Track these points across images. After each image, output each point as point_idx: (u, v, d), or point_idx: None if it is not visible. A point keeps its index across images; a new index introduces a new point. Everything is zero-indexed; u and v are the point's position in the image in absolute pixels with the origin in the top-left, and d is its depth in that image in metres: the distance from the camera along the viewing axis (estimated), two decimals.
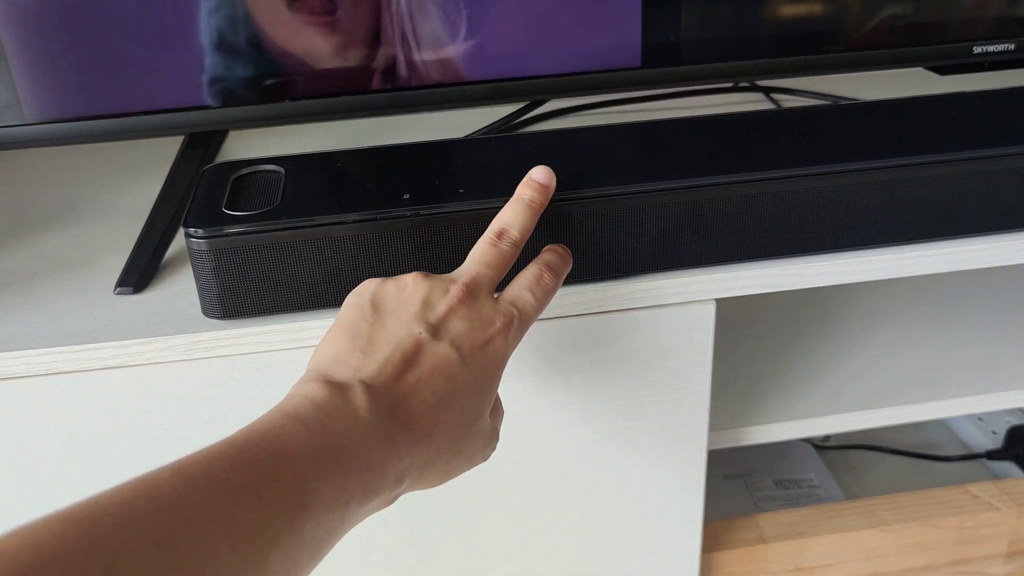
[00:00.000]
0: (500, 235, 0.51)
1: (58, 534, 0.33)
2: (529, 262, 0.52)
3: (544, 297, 0.51)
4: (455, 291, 0.48)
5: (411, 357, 0.45)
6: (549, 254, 0.54)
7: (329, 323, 0.55)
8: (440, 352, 0.46)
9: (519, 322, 0.49)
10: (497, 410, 0.53)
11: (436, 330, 0.46)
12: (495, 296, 0.50)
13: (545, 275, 0.52)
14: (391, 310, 0.47)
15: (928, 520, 0.79)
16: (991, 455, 0.99)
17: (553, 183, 0.54)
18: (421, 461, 0.44)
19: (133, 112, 0.62)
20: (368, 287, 0.49)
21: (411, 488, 0.45)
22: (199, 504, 0.36)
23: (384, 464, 0.42)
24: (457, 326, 0.47)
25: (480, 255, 0.50)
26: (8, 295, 0.61)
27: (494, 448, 0.51)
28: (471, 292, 0.48)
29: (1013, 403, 0.77)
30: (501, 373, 0.49)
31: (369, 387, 0.43)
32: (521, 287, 0.51)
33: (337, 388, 0.43)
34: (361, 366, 0.45)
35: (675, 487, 0.68)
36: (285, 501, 0.38)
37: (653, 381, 0.63)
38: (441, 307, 0.47)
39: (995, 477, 0.97)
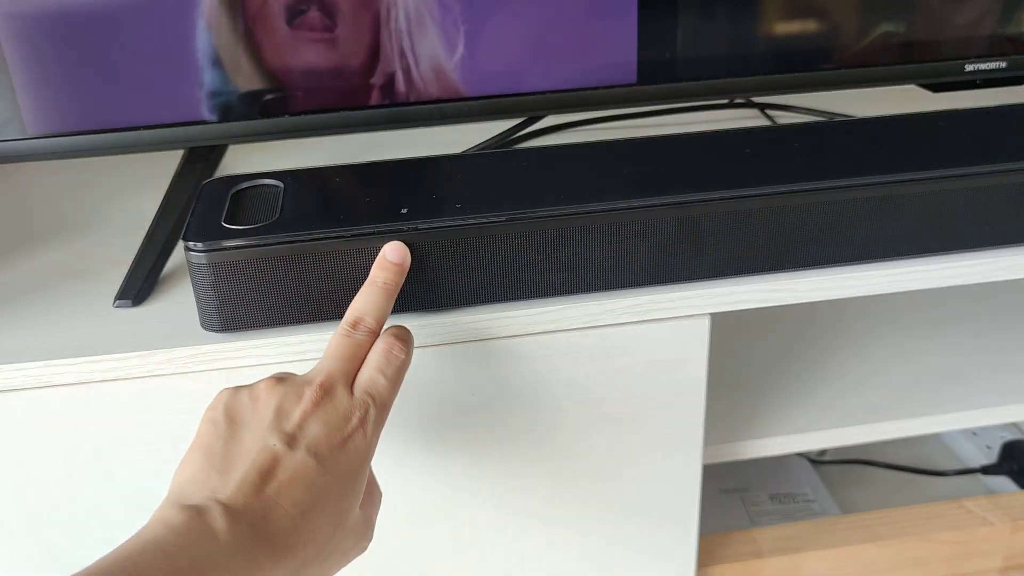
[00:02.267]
0: (355, 325, 0.51)
1: None
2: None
3: (396, 375, 0.51)
4: (309, 395, 0.47)
5: (268, 471, 0.45)
6: (393, 328, 0.53)
7: (326, 336, 0.56)
8: (298, 461, 0.45)
9: (376, 410, 0.49)
10: (371, 500, 0.52)
11: (292, 439, 0.46)
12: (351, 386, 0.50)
13: (394, 349, 0.51)
14: (245, 423, 0.47)
15: (923, 535, 0.80)
16: (986, 470, 0.99)
17: (407, 260, 0.53)
18: (289, 573, 0.44)
19: (133, 127, 0.63)
20: (221, 399, 0.49)
21: None
22: None
23: None
24: (313, 431, 0.47)
25: (334, 350, 0.50)
26: (8, 307, 0.61)
27: (370, 539, 0.51)
28: (325, 392, 0.48)
29: (1008, 418, 0.78)
30: (367, 466, 0.49)
31: (227, 507, 0.43)
32: (372, 370, 0.50)
33: (194, 511, 0.42)
34: (218, 487, 0.44)
35: (670, 501, 0.68)
36: None
37: (648, 395, 0.63)
38: (296, 414, 0.47)
39: (990, 492, 0.98)
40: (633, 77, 0.67)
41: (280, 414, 0.47)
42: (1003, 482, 0.98)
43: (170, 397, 0.57)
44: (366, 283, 0.52)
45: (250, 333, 0.56)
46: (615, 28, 0.66)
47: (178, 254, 0.65)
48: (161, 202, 0.68)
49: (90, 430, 0.58)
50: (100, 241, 0.70)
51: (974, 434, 1.04)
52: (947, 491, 0.98)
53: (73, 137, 0.62)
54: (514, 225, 0.55)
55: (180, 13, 0.60)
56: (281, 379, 0.49)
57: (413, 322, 0.56)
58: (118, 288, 0.61)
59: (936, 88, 0.75)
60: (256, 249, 0.53)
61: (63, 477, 0.59)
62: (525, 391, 0.62)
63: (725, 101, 0.87)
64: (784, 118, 0.86)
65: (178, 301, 0.61)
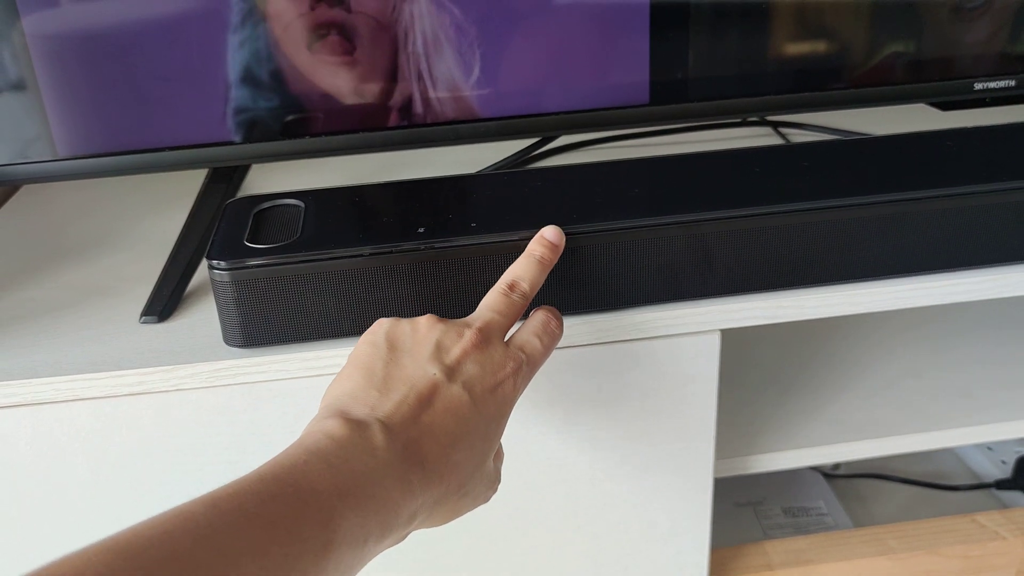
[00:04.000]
0: (512, 286, 0.52)
1: (106, 564, 0.34)
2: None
3: (550, 343, 0.53)
4: (469, 335, 0.49)
5: (426, 398, 0.46)
6: (550, 307, 0.55)
7: (346, 352, 0.57)
8: (453, 394, 0.47)
9: (527, 367, 0.51)
10: (499, 454, 0.54)
11: (450, 372, 0.48)
12: (505, 342, 0.51)
13: (552, 321, 0.53)
14: (406, 349, 0.49)
15: (935, 549, 0.80)
16: (1000, 485, 0.99)
17: (563, 242, 0.55)
18: (432, 500, 0.45)
19: (159, 147, 0.65)
20: (383, 326, 0.50)
21: (420, 527, 0.47)
22: (234, 539, 0.37)
23: (399, 503, 0.43)
24: (470, 369, 0.48)
25: (493, 303, 0.52)
26: (37, 323, 0.63)
27: (495, 490, 0.52)
28: (484, 337, 0.49)
29: (1022, 433, 0.78)
30: (508, 416, 0.50)
31: (386, 426, 0.44)
32: (529, 333, 0.52)
33: (356, 425, 0.44)
34: (378, 404, 0.46)
35: (682, 514, 0.69)
36: (313, 538, 0.39)
37: (659, 410, 0.64)
38: (455, 350, 0.48)
39: (1004, 507, 0.98)
40: (646, 97, 0.69)
41: (441, 347, 0.48)
42: (1017, 497, 0.98)
43: (193, 410, 0.59)
44: (523, 254, 0.54)
45: (271, 349, 0.58)
46: (628, 49, 0.67)
47: (202, 272, 0.66)
48: (186, 221, 0.70)
49: (116, 442, 0.59)
50: (126, 259, 0.72)
51: (989, 448, 1.04)
52: (961, 505, 0.98)
53: (102, 158, 0.64)
54: (528, 244, 0.56)
55: (205, 37, 0.62)
56: (441, 319, 0.50)
57: None
58: (144, 304, 0.63)
59: (945, 106, 0.76)
60: (278, 267, 0.55)
61: (90, 488, 0.61)
62: (537, 406, 0.63)
63: (738, 120, 0.88)
64: (796, 136, 0.87)
65: (202, 317, 0.62)
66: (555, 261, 0.55)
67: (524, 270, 0.53)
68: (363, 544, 0.41)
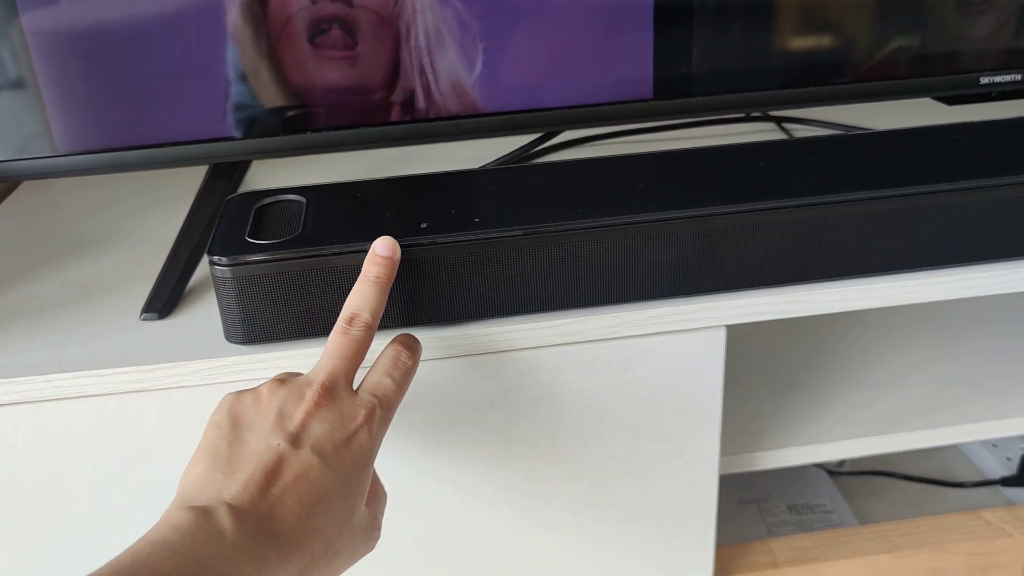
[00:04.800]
0: (351, 321, 0.51)
1: None
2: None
3: (403, 379, 0.52)
4: (311, 395, 0.48)
5: (273, 470, 0.45)
6: (401, 336, 0.54)
7: None
8: (302, 460, 0.46)
9: (381, 410, 0.50)
10: (376, 498, 0.53)
11: (296, 438, 0.46)
12: (355, 388, 0.50)
13: (402, 355, 0.52)
14: (249, 425, 0.48)
15: (941, 546, 0.80)
16: (1005, 482, 0.99)
17: (397, 253, 0.54)
18: (297, 570, 0.45)
19: (160, 143, 0.64)
20: (225, 403, 0.49)
21: None
22: None
23: None
24: (316, 430, 0.47)
25: (334, 348, 0.50)
26: (38, 321, 0.63)
27: (376, 538, 0.51)
28: (327, 391, 0.48)
29: None
30: (371, 465, 0.49)
31: (233, 507, 0.43)
32: (379, 373, 0.51)
33: (200, 512, 0.43)
34: (223, 487, 0.45)
35: (687, 512, 0.69)
36: None
37: (664, 406, 0.64)
38: (298, 414, 0.47)
39: (1010, 503, 0.97)
40: (649, 92, 0.68)
41: (283, 414, 0.47)
42: (1023, 494, 0.98)
43: (195, 407, 0.58)
44: (359, 279, 0.53)
45: (273, 345, 0.57)
46: (631, 44, 0.67)
47: (203, 268, 0.66)
48: (186, 217, 0.69)
49: (118, 440, 0.59)
50: (127, 256, 0.71)
51: (994, 445, 1.03)
52: (966, 502, 0.97)
53: (102, 154, 0.64)
54: (532, 239, 0.56)
55: (205, 32, 0.61)
56: (283, 380, 0.50)
57: (433, 334, 0.57)
58: (144, 302, 0.63)
59: (951, 101, 0.76)
60: (279, 263, 0.54)
61: (92, 485, 0.60)
62: (543, 402, 0.62)
63: (742, 115, 0.88)
64: (800, 131, 0.87)
65: (203, 314, 0.62)
66: (392, 276, 0.53)
67: (360, 298, 0.52)
68: None
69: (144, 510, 0.61)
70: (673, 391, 0.63)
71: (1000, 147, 0.66)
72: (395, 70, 0.65)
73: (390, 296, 0.55)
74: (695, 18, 0.67)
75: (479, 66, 0.65)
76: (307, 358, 0.57)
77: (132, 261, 0.70)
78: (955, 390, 0.80)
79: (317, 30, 0.63)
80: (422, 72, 0.65)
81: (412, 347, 0.54)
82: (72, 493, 0.60)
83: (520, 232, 0.56)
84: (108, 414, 0.58)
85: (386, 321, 0.56)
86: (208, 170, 0.73)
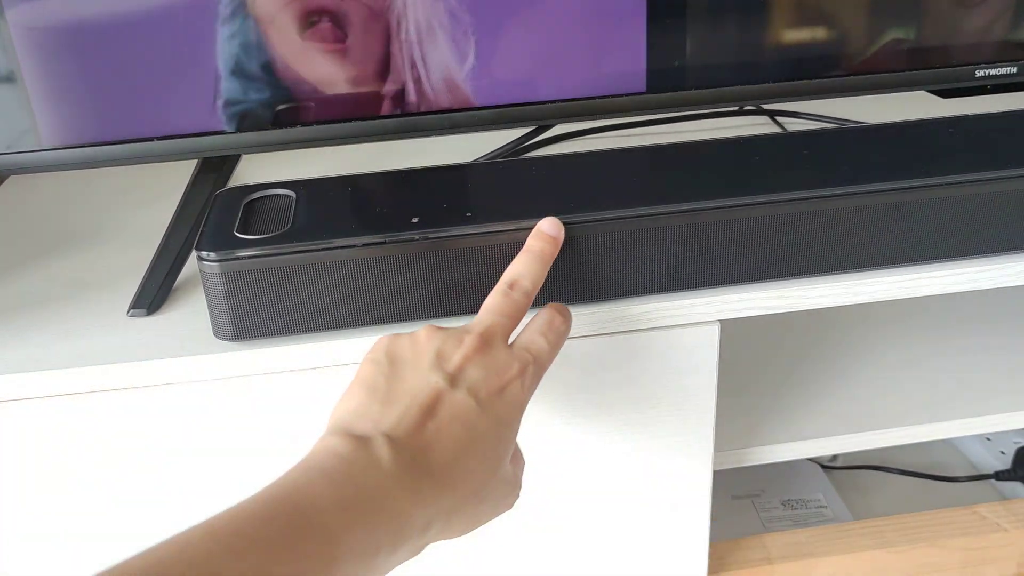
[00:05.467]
0: (512, 285, 0.52)
1: None
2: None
3: (557, 341, 0.52)
4: (469, 341, 0.48)
5: (430, 407, 0.46)
6: (556, 303, 0.55)
7: (338, 344, 0.57)
8: (458, 400, 0.46)
9: (535, 367, 0.50)
10: (517, 458, 0.53)
11: (453, 379, 0.47)
12: (509, 344, 0.50)
13: (556, 319, 0.53)
14: (407, 362, 0.48)
15: (935, 541, 0.80)
16: (999, 476, 0.99)
17: (562, 234, 0.55)
18: (447, 509, 0.45)
19: (147, 137, 0.63)
20: (382, 342, 0.50)
21: (438, 537, 0.46)
22: (233, 563, 0.36)
23: (410, 513, 0.43)
24: (473, 374, 0.47)
25: (493, 305, 0.51)
26: (24, 317, 0.62)
27: (517, 496, 0.51)
28: (485, 341, 0.49)
29: (1021, 423, 0.77)
30: (520, 418, 0.49)
31: (390, 438, 0.44)
32: (534, 332, 0.51)
33: (359, 441, 0.43)
34: (381, 418, 0.45)
35: (681, 507, 0.69)
36: (316, 555, 0.38)
37: (658, 402, 0.63)
38: (456, 356, 0.48)
39: (1004, 498, 0.97)
40: (642, 86, 0.68)
41: (441, 356, 0.48)
42: (1017, 488, 0.98)
43: (183, 405, 0.58)
44: (523, 250, 0.53)
45: (262, 341, 0.57)
46: (624, 37, 0.66)
47: (192, 263, 0.65)
48: (175, 212, 0.69)
49: (104, 438, 0.58)
50: (114, 250, 0.71)
51: (988, 439, 1.03)
52: (960, 497, 0.97)
53: (89, 148, 0.63)
54: (524, 234, 0.55)
55: (194, 25, 0.61)
56: (440, 328, 0.50)
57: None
58: (132, 297, 0.62)
59: (946, 94, 0.75)
60: (268, 259, 0.54)
61: (77, 484, 0.60)
62: (535, 398, 0.62)
63: (735, 108, 0.88)
64: (794, 124, 0.87)
65: (191, 310, 0.61)
66: (555, 254, 0.54)
67: (524, 267, 0.52)
68: (373, 556, 0.41)
69: (131, 508, 0.61)
70: (667, 387, 0.63)
71: (995, 141, 0.65)
72: (386, 63, 0.64)
73: (379, 292, 0.55)
74: (688, 11, 0.66)
75: (471, 59, 0.65)
76: (297, 355, 0.57)
77: (120, 256, 0.70)
78: (949, 385, 0.80)
79: (307, 23, 0.62)
80: (413, 65, 0.64)
81: (565, 314, 0.54)
82: (58, 492, 0.60)
83: (512, 227, 0.55)
84: (94, 412, 0.57)
85: (371, 316, 0.56)
86: (197, 164, 0.73)
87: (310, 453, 0.44)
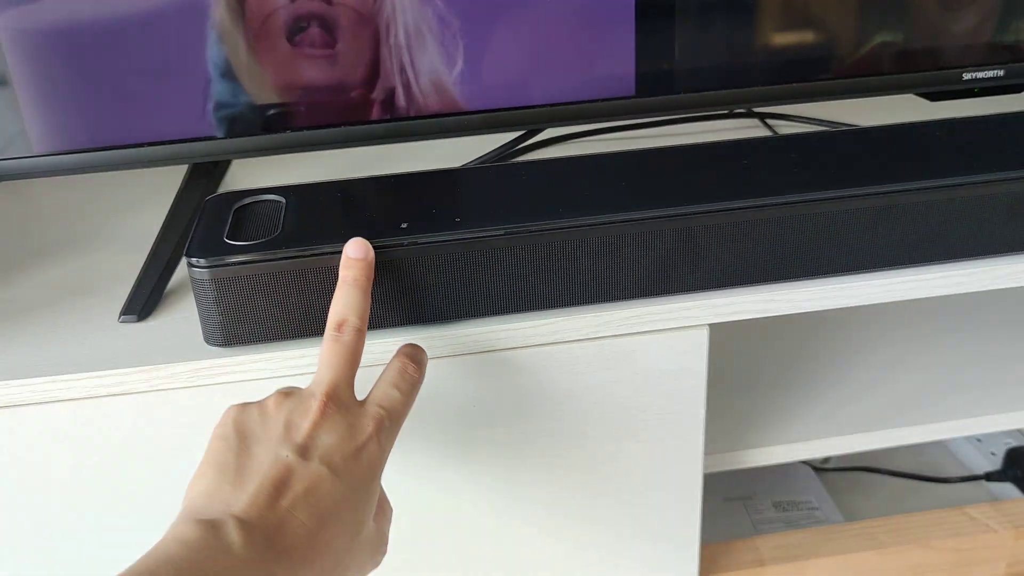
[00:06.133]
0: (340, 327, 0.50)
1: None
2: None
3: (410, 390, 0.51)
4: (316, 405, 0.47)
5: (282, 482, 0.45)
6: (406, 348, 0.54)
7: None
8: (311, 471, 0.45)
9: (389, 422, 0.49)
10: (383, 512, 0.52)
11: (304, 450, 0.46)
12: (361, 400, 0.50)
13: (408, 367, 0.52)
14: (256, 437, 0.47)
15: (926, 542, 0.80)
16: (990, 477, 0.99)
17: (370, 253, 0.53)
18: None
19: (138, 143, 0.63)
20: (230, 415, 0.48)
21: None
22: None
23: None
24: (325, 441, 0.46)
25: (328, 358, 0.50)
26: (14, 323, 0.62)
27: (383, 553, 0.51)
28: (332, 400, 0.48)
29: (1011, 425, 0.78)
30: (378, 477, 0.49)
31: (242, 521, 0.43)
32: (386, 384, 0.51)
33: (208, 526, 0.42)
34: (232, 500, 0.44)
35: (672, 511, 0.69)
36: None
37: (647, 406, 0.64)
38: (305, 425, 0.47)
39: (994, 498, 0.98)
40: (632, 89, 0.68)
41: (290, 426, 0.47)
42: (1007, 488, 0.98)
43: (174, 411, 0.58)
44: (338, 284, 0.52)
45: (253, 347, 0.57)
46: (613, 41, 0.66)
47: (182, 269, 0.65)
48: (165, 217, 0.69)
49: (95, 444, 0.58)
50: (105, 256, 0.71)
51: (978, 440, 1.04)
52: (952, 498, 0.98)
53: (79, 154, 0.63)
54: (513, 239, 0.56)
55: (184, 31, 0.61)
56: (288, 393, 0.49)
57: (413, 335, 0.57)
58: (123, 303, 0.62)
59: (934, 97, 0.76)
60: (258, 264, 0.54)
61: (68, 491, 0.60)
62: (525, 403, 0.62)
63: (725, 111, 0.88)
64: (783, 127, 0.87)
65: (182, 316, 0.61)
66: (371, 275, 0.53)
67: (344, 303, 0.51)
68: None
69: (122, 516, 0.61)
70: (656, 391, 0.63)
71: (983, 143, 0.65)
72: (375, 68, 0.64)
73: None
74: (677, 14, 0.67)
75: (460, 64, 0.65)
76: (287, 360, 0.57)
77: (110, 262, 0.69)
78: (939, 386, 0.80)
79: (296, 28, 0.62)
80: (402, 70, 0.64)
81: (418, 359, 0.53)
82: (48, 500, 0.60)
83: (501, 232, 0.55)
84: (85, 418, 0.57)
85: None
86: (188, 170, 0.73)
87: (161, 540, 0.42)
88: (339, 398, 0.48)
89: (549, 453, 0.64)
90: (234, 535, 0.42)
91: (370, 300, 0.52)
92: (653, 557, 0.70)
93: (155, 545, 0.42)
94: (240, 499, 0.44)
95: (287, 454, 0.45)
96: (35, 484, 0.59)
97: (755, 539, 0.81)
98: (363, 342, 0.51)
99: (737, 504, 0.97)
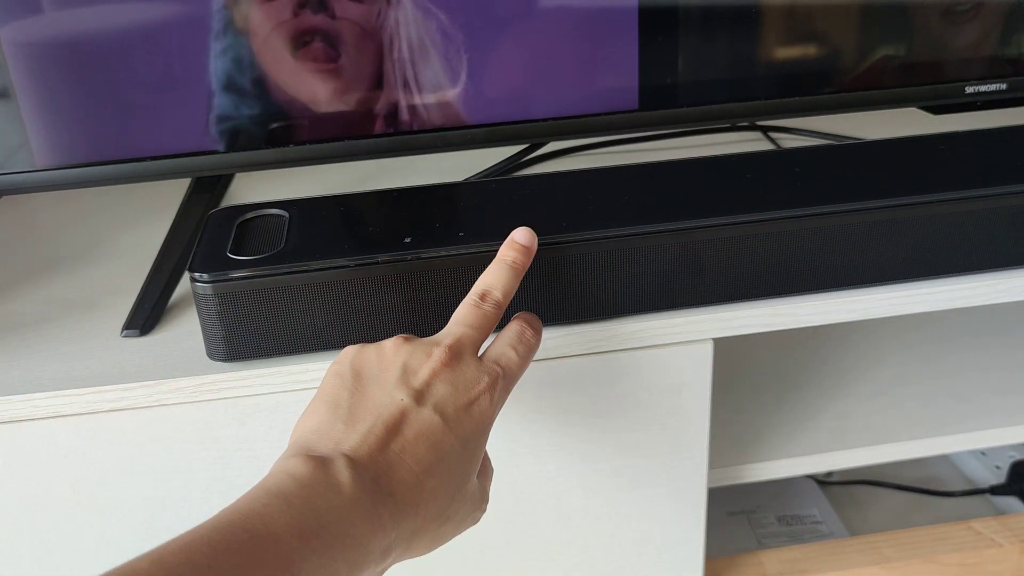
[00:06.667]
0: (483, 296, 0.51)
1: None
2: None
3: (527, 354, 0.51)
4: (438, 354, 0.47)
5: (394, 425, 0.44)
6: (525, 314, 0.54)
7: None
8: (424, 418, 0.45)
9: (504, 380, 0.49)
10: (485, 470, 0.52)
11: (419, 395, 0.46)
12: (479, 356, 0.49)
13: (527, 331, 0.52)
14: (372, 377, 0.47)
15: (931, 556, 0.79)
16: (994, 490, 0.99)
17: (535, 244, 0.54)
18: (408, 532, 0.44)
19: (141, 157, 0.64)
20: (348, 354, 0.49)
21: (399, 559, 0.45)
22: None
23: (369, 539, 0.41)
24: (440, 390, 0.46)
25: (463, 317, 0.50)
26: (17, 338, 0.62)
27: (484, 510, 0.51)
28: (454, 354, 0.48)
29: (1016, 438, 0.77)
30: (488, 434, 0.49)
31: (352, 460, 0.43)
32: (504, 344, 0.51)
33: (319, 462, 0.42)
34: (343, 438, 0.44)
35: (676, 525, 0.68)
36: None
37: (652, 420, 0.63)
38: (424, 371, 0.47)
39: (999, 512, 0.97)
40: (635, 103, 0.68)
41: (408, 371, 0.47)
42: (1012, 502, 0.98)
43: (176, 426, 0.58)
44: (495, 261, 0.52)
45: (256, 362, 0.57)
46: (616, 55, 0.66)
47: (185, 283, 0.65)
48: (168, 231, 0.69)
49: (97, 459, 0.58)
50: (108, 271, 0.71)
51: (983, 453, 1.03)
52: (955, 511, 0.97)
53: (82, 168, 0.63)
54: None
55: (187, 45, 0.61)
56: (408, 339, 0.49)
57: None
58: (125, 318, 0.62)
59: (937, 110, 0.76)
60: (261, 280, 0.54)
61: (71, 506, 0.59)
62: (529, 416, 0.62)
63: (728, 125, 0.88)
64: (787, 140, 0.87)
65: (185, 330, 0.61)
66: (528, 265, 0.53)
67: (495, 278, 0.52)
68: None
69: (124, 530, 0.61)
70: (660, 405, 0.63)
71: (986, 157, 0.65)
72: (379, 82, 0.64)
73: (372, 312, 0.55)
74: (680, 28, 0.67)
75: (463, 78, 0.65)
76: (290, 375, 0.57)
77: (113, 276, 0.69)
78: (944, 400, 0.80)
79: (300, 42, 0.62)
80: (406, 84, 0.65)
81: (536, 326, 0.53)
82: (50, 515, 0.59)
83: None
84: (87, 433, 0.57)
85: (364, 336, 0.56)
86: (191, 183, 0.73)
87: (269, 475, 0.42)
88: (462, 352, 0.48)
89: (553, 468, 0.64)
90: (344, 473, 0.42)
91: (518, 285, 0.52)
92: (658, 571, 0.70)
93: (265, 478, 0.42)
94: (351, 438, 0.44)
95: (402, 397, 0.45)
96: (37, 499, 0.59)
97: (759, 553, 0.80)
98: (499, 318, 0.51)
99: (741, 518, 0.96)
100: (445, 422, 0.46)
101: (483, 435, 0.48)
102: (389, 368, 0.47)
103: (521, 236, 0.53)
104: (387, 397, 0.46)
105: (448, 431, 0.45)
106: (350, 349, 0.49)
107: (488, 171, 0.80)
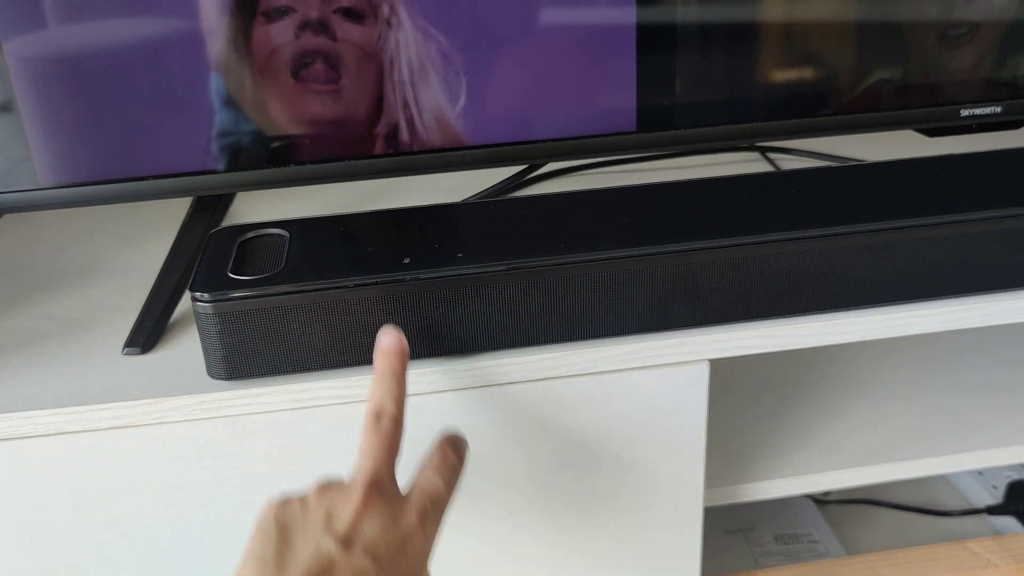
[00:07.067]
0: (378, 417, 0.50)
1: None
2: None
3: (452, 477, 0.51)
4: (357, 494, 0.46)
5: (324, 575, 0.43)
6: (447, 436, 0.54)
7: (331, 383, 0.57)
8: (355, 563, 0.44)
9: (434, 509, 0.48)
10: None
11: (347, 541, 0.45)
12: (403, 489, 0.49)
13: (449, 454, 0.52)
14: (297, 528, 0.46)
15: None
16: (992, 510, 0.99)
17: (404, 341, 0.53)
18: None
19: (143, 176, 0.64)
20: (269, 510, 0.47)
21: None
22: None
23: None
24: (368, 531, 0.45)
25: (367, 447, 0.49)
26: (18, 355, 0.62)
27: None
28: (374, 488, 0.47)
29: (1012, 459, 0.77)
30: (427, 566, 0.48)
31: None
32: (429, 471, 0.50)
33: None
34: None
35: (671, 545, 0.69)
36: None
37: (648, 441, 0.64)
38: (346, 515, 0.46)
39: (996, 532, 0.97)
40: (633, 125, 0.68)
41: (331, 517, 0.46)
42: (1009, 523, 0.98)
43: (176, 444, 0.58)
44: (374, 373, 0.52)
45: (255, 381, 0.57)
46: (614, 77, 0.67)
47: (186, 302, 0.66)
48: (169, 250, 0.69)
49: (97, 477, 0.58)
50: (109, 289, 0.71)
51: (980, 474, 1.03)
52: (952, 530, 0.97)
53: (85, 187, 0.64)
54: (515, 274, 0.56)
55: (190, 66, 0.61)
56: (328, 484, 0.48)
57: (414, 370, 0.57)
58: (126, 336, 0.62)
59: (932, 133, 0.76)
60: (262, 299, 0.54)
61: (71, 523, 0.60)
62: (525, 437, 0.62)
63: (725, 146, 0.88)
64: (784, 161, 0.87)
65: (185, 349, 0.61)
66: (406, 363, 0.52)
67: (380, 393, 0.51)
68: None
69: (124, 548, 0.61)
70: (656, 426, 0.63)
71: (981, 180, 0.66)
72: (379, 103, 0.65)
73: (371, 332, 0.55)
74: (678, 50, 0.67)
75: (463, 99, 0.66)
76: (289, 394, 0.57)
77: (115, 294, 0.70)
78: (941, 419, 0.80)
79: (301, 64, 0.63)
80: (406, 105, 0.65)
81: (459, 445, 0.53)
82: (50, 532, 0.60)
83: (502, 267, 0.56)
84: (88, 451, 0.58)
85: (363, 356, 0.56)
86: (192, 202, 0.73)
87: None
88: (381, 487, 0.47)
89: (549, 488, 0.64)
90: None
91: (406, 387, 0.52)
92: None
93: None
94: None
95: (329, 545, 0.44)
96: (37, 517, 0.59)
97: (756, 573, 0.80)
98: (402, 431, 0.50)
99: (738, 537, 0.96)
100: (377, 564, 0.44)
101: (421, 570, 0.47)
102: (312, 517, 0.46)
103: (386, 341, 0.53)
104: (313, 547, 0.44)
105: (381, 573, 0.44)
106: (272, 504, 0.48)
107: (487, 191, 0.80)
